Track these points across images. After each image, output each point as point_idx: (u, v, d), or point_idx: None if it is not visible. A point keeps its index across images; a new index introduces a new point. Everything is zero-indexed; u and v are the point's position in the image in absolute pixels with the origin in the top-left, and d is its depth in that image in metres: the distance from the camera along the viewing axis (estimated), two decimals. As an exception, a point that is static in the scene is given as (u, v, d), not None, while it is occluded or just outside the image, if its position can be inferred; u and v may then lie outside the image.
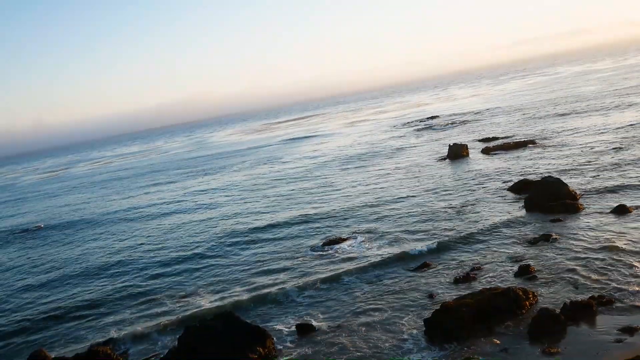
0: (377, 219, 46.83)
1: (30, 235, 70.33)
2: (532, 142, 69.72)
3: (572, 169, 51.71)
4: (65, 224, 73.92)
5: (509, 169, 57.61)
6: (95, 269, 47.41)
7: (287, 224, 50.62)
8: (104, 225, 67.51)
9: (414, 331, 25.60)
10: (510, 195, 46.83)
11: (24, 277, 49.69)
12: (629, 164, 49.69)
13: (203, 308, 33.20)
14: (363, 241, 41.11)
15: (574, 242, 33.15)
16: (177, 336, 27.26)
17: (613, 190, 42.64)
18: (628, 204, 38.06)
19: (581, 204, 40.13)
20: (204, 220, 59.39)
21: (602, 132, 67.96)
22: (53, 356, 28.86)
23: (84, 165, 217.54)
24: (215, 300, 34.17)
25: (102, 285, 42.06)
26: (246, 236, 48.86)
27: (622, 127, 68.28)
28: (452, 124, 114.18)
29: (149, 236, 56.72)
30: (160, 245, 51.41)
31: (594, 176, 47.73)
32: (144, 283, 40.51)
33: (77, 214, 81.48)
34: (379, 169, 72.34)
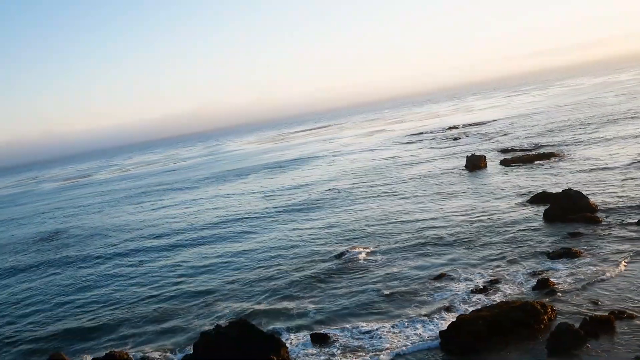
0: (393, 229, 46.61)
1: (49, 242, 71.09)
2: (552, 154, 69.00)
3: (592, 182, 51.06)
4: (85, 231, 74.69)
5: (528, 181, 57.08)
6: (114, 275, 47.87)
7: (302, 233, 50.66)
8: (122, 234, 68.08)
9: (430, 343, 25.39)
10: (529, 207, 46.35)
11: (43, 282, 50.26)
12: (650, 177, 48.93)
13: (219, 316, 33.29)
14: (378, 252, 40.93)
15: (594, 256, 32.68)
16: (193, 343, 27.36)
17: (634, 203, 41.99)
18: (649, 218, 37.49)
19: (601, 217, 39.61)
20: (219, 234, 59.61)
21: (624, 145, 67.12)
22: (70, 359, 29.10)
23: (103, 174, 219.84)
24: (231, 309, 34.22)
25: (119, 292, 42.40)
26: (262, 248, 49.00)
27: (644, 141, 67.37)
28: (470, 134, 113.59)
29: (163, 244, 57.09)
30: (175, 255, 51.71)
31: (615, 189, 47.06)
32: (161, 291, 40.73)
33: (96, 221, 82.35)
34: (397, 180, 72.10)
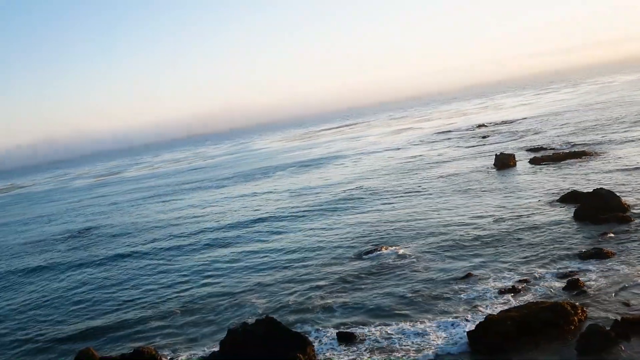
0: (421, 229, 46.31)
1: (79, 239, 72.21)
2: (584, 153, 67.75)
3: (624, 182, 50.01)
4: (114, 229, 75.75)
5: (559, 180, 56.19)
6: (141, 274, 48.49)
7: (329, 233, 50.67)
8: (149, 233, 68.86)
9: (458, 343, 25.17)
10: (560, 206, 45.62)
11: (73, 280, 51.12)
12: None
13: (245, 313, 33.46)
14: (405, 250, 40.72)
15: (626, 257, 32.04)
16: (220, 339, 27.54)
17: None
18: (684, 218, 36.60)
19: (633, 217, 38.78)
20: (246, 234, 59.85)
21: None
22: (100, 355, 29.52)
23: (132, 172, 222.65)
24: (258, 306, 34.37)
25: (147, 290, 42.92)
26: (288, 247, 49.13)
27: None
28: (499, 133, 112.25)
29: (192, 243, 57.58)
30: (203, 254, 52.10)
31: (648, 189, 46.02)
32: (188, 289, 41.09)
33: (125, 219, 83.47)
34: (425, 178, 71.62)
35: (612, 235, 36.31)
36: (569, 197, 46.40)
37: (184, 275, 44.46)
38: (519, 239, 39.00)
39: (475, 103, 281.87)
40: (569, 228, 39.58)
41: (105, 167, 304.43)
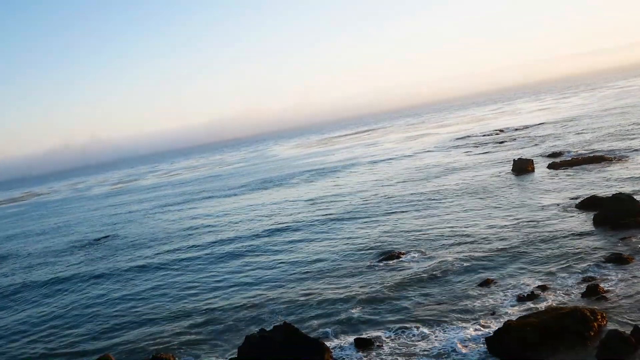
0: (439, 235, 46.15)
1: (94, 250, 72.69)
2: (603, 158, 67.06)
3: (644, 186, 49.44)
4: (130, 239, 76.32)
5: (577, 185, 55.72)
6: (159, 284, 48.78)
7: (346, 240, 50.66)
8: (165, 243, 69.27)
9: (476, 350, 25.04)
10: (579, 211, 45.24)
11: (89, 290, 51.59)
12: None
13: (263, 319, 33.57)
14: (423, 257, 40.62)
15: (647, 262, 31.66)
16: (238, 346, 27.65)
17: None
18: None
19: (654, 223, 38.31)
20: (263, 243, 59.86)
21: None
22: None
23: (149, 180, 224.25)
24: (275, 313, 34.46)
25: (164, 300, 43.19)
26: (306, 255, 49.18)
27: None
28: (517, 138, 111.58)
29: (208, 253, 57.81)
30: (219, 264, 52.22)
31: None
32: (205, 298, 41.26)
33: (141, 229, 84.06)
34: (442, 184, 71.35)
35: (632, 240, 35.91)
36: (588, 202, 45.98)
37: (201, 285, 44.65)
38: (537, 244, 38.70)
39: (493, 108, 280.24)
40: (588, 233, 39.22)
41: (122, 174, 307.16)
